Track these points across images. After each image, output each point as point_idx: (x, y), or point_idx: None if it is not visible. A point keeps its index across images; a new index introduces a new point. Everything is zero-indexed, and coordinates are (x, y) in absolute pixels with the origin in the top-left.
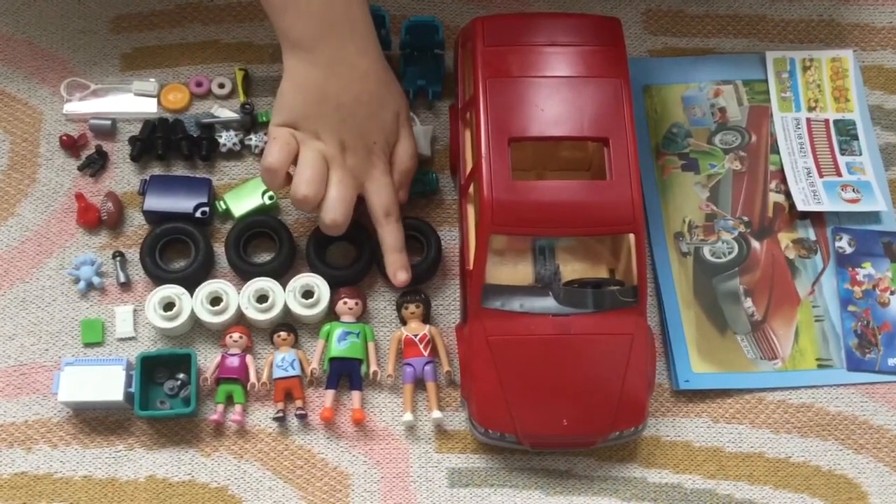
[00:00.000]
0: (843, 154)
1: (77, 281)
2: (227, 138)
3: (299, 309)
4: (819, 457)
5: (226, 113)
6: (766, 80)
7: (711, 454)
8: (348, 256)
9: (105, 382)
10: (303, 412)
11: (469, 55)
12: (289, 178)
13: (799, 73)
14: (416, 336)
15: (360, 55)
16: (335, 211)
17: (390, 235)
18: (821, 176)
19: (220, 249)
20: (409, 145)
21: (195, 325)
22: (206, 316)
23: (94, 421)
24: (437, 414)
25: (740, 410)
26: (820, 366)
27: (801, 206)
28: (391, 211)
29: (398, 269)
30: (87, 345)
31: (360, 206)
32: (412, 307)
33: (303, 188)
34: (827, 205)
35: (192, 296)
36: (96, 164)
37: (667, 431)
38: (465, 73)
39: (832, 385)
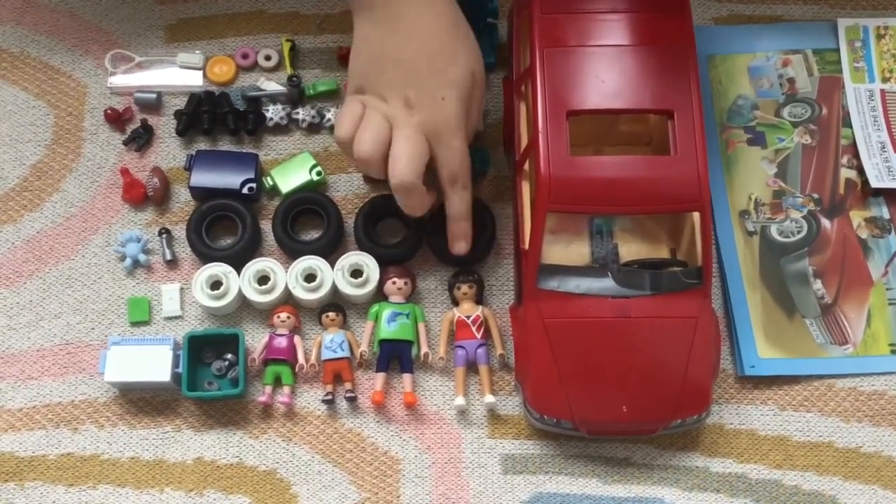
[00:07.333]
0: None
1: (123, 258)
2: (273, 112)
3: (348, 288)
4: (892, 447)
5: (272, 86)
6: (837, 50)
7: (778, 443)
8: (397, 234)
9: (152, 362)
10: (352, 395)
11: (525, 23)
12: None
13: (873, 41)
14: (468, 317)
15: (424, 8)
16: (398, 168)
17: (455, 204)
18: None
19: (267, 226)
20: (477, 117)
21: (242, 305)
22: (254, 295)
23: (140, 401)
24: (490, 398)
25: (809, 398)
26: (893, 351)
27: (874, 183)
28: (458, 177)
29: (458, 239)
30: (134, 323)
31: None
32: (465, 287)
33: (361, 147)
34: None
35: (239, 274)
36: (141, 139)
37: (731, 419)
38: (520, 42)
39: None
